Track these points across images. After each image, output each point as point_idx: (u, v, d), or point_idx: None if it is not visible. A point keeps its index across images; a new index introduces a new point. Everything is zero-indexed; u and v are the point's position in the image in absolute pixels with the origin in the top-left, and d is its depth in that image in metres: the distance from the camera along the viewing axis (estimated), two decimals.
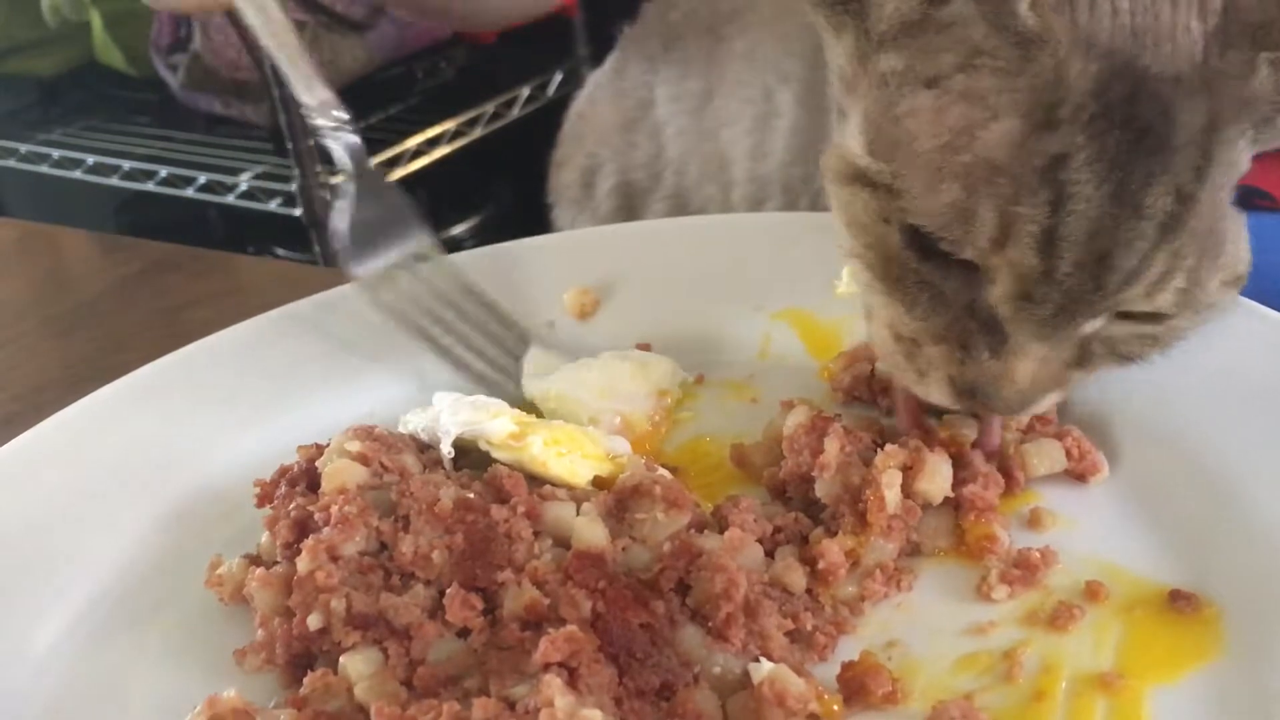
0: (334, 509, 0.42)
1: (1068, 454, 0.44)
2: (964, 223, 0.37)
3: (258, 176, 1.67)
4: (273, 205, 1.65)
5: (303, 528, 0.43)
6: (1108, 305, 0.38)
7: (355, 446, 0.45)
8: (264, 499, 0.46)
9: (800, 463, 0.44)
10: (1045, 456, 0.45)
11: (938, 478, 0.42)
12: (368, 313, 0.57)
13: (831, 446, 0.43)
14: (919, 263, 0.40)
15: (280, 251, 1.83)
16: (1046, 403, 0.41)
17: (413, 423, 0.49)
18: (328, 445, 0.46)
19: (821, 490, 0.43)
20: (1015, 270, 0.37)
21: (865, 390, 0.51)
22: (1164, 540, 0.42)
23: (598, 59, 0.86)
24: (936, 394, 0.41)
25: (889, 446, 0.43)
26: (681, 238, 0.61)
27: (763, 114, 0.68)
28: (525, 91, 1.79)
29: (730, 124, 0.70)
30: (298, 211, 1.58)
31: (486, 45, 1.77)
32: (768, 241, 0.59)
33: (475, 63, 1.80)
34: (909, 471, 0.42)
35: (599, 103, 0.81)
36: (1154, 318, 0.39)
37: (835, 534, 0.42)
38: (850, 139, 0.41)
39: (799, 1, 0.65)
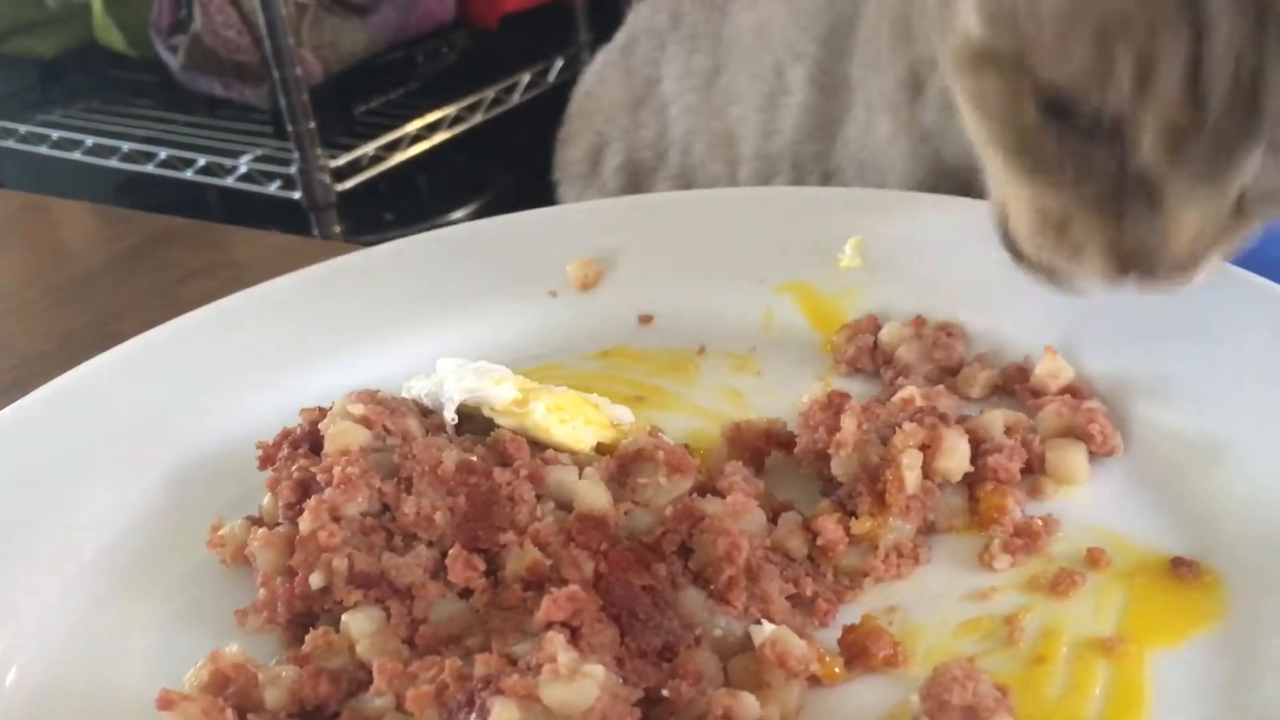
0: (336, 470, 0.42)
1: (1091, 437, 0.44)
2: (1102, 75, 0.36)
3: (257, 159, 1.67)
4: (272, 188, 1.65)
5: (305, 488, 0.43)
6: (1265, 135, 0.36)
7: (358, 409, 0.45)
8: (266, 461, 0.46)
9: (816, 440, 0.44)
10: (1067, 464, 0.44)
11: (957, 455, 0.42)
12: (369, 282, 0.57)
13: (848, 424, 0.43)
14: (1059, 133, 0.38)
15: (278, 235, 1.83)
16: (1212, 265, 0.40)
17: (416, 388, 0.49)
18: (331, 409, 0.46)
19: (838, 468, 0.43)
20: (1164, 115, 0.36)
21: (869, 362, 0.51)
22: (1166, 509, 0.42)
23: (599, 45, 0.85)
24: (1095, 268, 0.40)
25: (907, 425, 0.42)
26: (684, 211, 0.61)
27: (772, 91, 0.68)
28: (526, 77, 1.79)
29: (738, 101, 0.70)
30: (297, 194, 1.58)
31: (488, 30, 1.77)
32: (770, 215, 0.59)
33: (477, 48, 1.80)
34: (927, 450, 0.42)
35: (607, 80, 0.81)
36: None
37: (852, 513, 0.42)
38: (968, 20, 0.40)
39: None
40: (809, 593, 0.40)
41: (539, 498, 0.42)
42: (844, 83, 0.64)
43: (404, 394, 0.49)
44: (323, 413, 0.46)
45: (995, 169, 0.42)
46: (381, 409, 0.45)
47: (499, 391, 0.46)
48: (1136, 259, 0.39)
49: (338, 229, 1.60)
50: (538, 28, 1.77)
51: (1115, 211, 0.39)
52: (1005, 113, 0.40)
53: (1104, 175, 0.38)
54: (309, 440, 0.46)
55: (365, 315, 0.56)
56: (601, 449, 0.46)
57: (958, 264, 0.53)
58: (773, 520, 0.43)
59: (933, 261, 0.54)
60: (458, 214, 1.84)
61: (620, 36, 0.81)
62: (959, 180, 0.57)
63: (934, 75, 0.56)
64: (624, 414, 0.48)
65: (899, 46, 0.58)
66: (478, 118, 1.74)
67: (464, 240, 0.60)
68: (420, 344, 0.55)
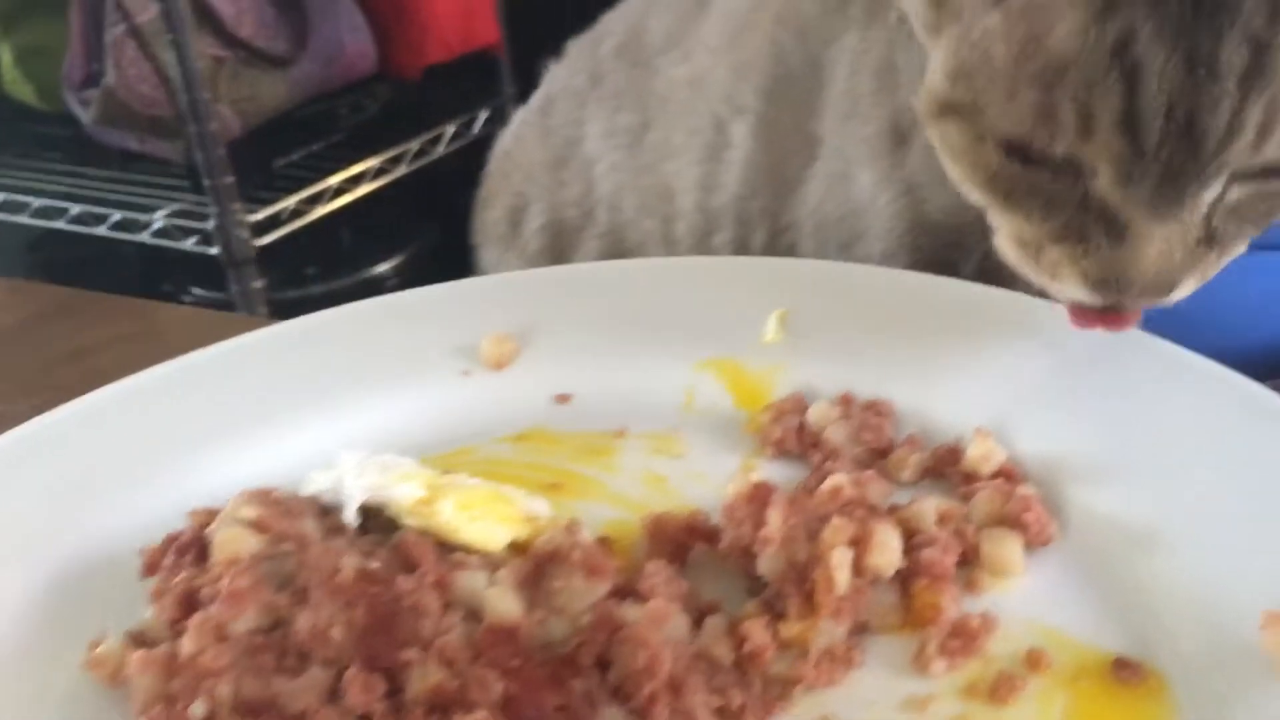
0: (224, 582, 0.39)
1: (1025, 526, 0.42)
2: (1048, 123, 0.39)
3: (173, 214, 1.63)
4: (189, 244, 1.60)
5: (190, 602, 0.40)
6: (1211, 170, 0.38)
7: (250, 512, 0.41)
8: (150, 569, 0.43)
9: (741, 535, 0.42)
10: (1002, 556, 0.42)
11: (889, 551, 0.40)
12: (267, 364, 0.54)
13: (775, 519, 0.41)
14: (1022, 171, 0.41)
15: (197, 290, 1.78)
16: (1188, 287, 0.41)
17: (316, 483, 0.46)
18: (221, 511, 0.43)
19: (765, 567, 0.41)
20: (1108, 156, 0.39)
21: (795, 444, 0.49)
22: (1106, 601, 0.40)
23: (524, 97, 0.84)
24: (1072, 290, 0.42)
25: (836, 519, 0.40)
26: (603, 283, 0.59)
27: (713, 145, 0.66)
28: (451, 129, 1.77)
29: (674, 156, 0.69)
30: (215, 250, 1.54)
31: (412, 82, 1.75)
32: (692, 287, 0.57)
33: (400, 99, 1.78)
34: (858, 544, 0.40)
35: (526, 140, 0.79)
36: (1271, 173, 0.39)
37: (781, 615, 0.40)
38: (934, 76, 0.43)
39: (755, 32, 0.64)
40: (736, 704, 0.38)
41: (446, 606, 0.40)
42: (802, 138, 0.62)
43: (304, 489, 0.46)
44: (212, 515, 0.43)
45: (977, 200, 0.45)
46: (275, 511, 0.42)
47: (404, 490, 0.43)
48: (1108, 284, 0.41)
49: (258, 284, 1.56)
50: (462, 79, 1.75)
51: (1082, 240, 0.41)
52: (973, 156, 0.43)
53: (1069, 208, 0.41)
54: (196, 546, 0.42)
55: (264, 401, 0.52)
56: (516, 547, 0.44)
57: (885, 339, 0.51)
58: (697, 623, 0.40)
59: (860, 336, 0.52)
60: (382, 267, 1.81)
61: (537, 97, 0.79)
62: (942, 238, 0.56)
63: (917, 125, 0.56)
64: (539, 506, 0.45)
65: (881, 96, 0.57)
66: (402, 170, 1.72)
67: (370, 317, 0.57)
68: (324, 430, 0.51)
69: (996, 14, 0.41)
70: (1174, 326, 0.46)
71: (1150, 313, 0.44)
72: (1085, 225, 0.41)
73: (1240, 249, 0.43)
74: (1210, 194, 0.39)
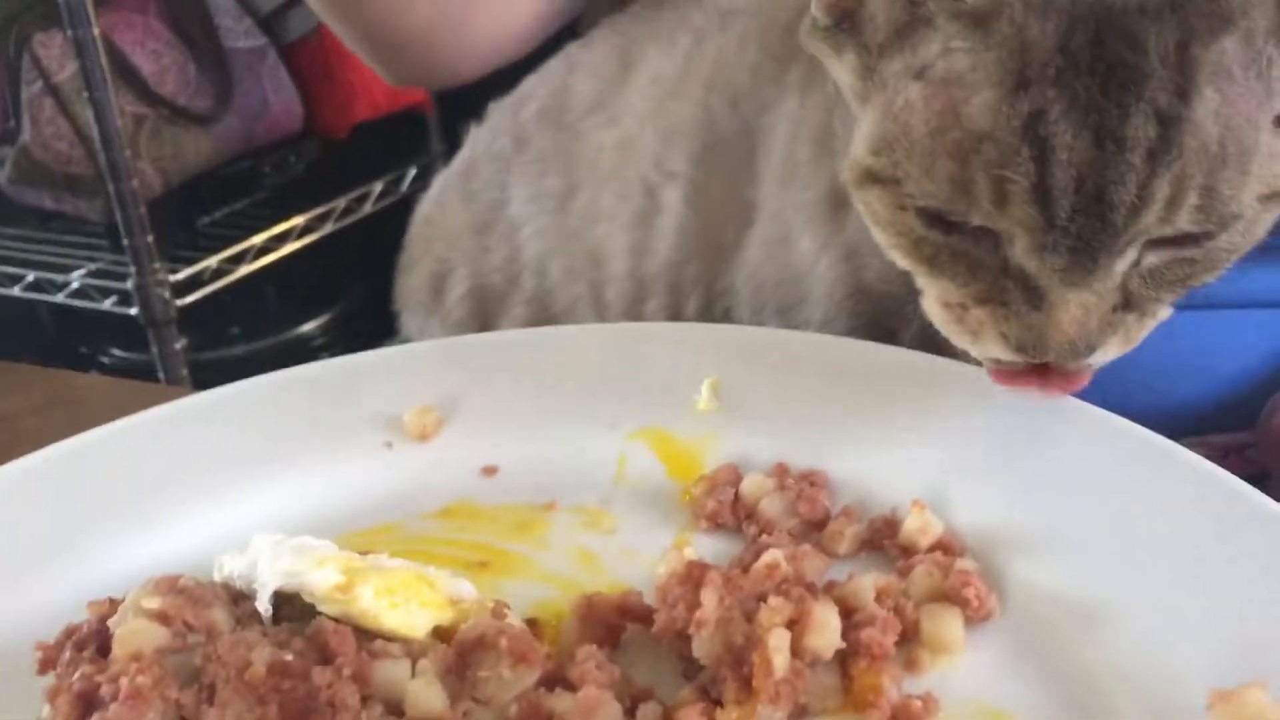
0: (124, 680, 0.36)
1: (966, 602, 0.41)
2: (964, 195, 0.40)
3: (91, 274, 1.59)
4: (107, 304, 1.56)
5: (89, 701, 0.37)
6: (1123, 241, 0.39)
7: (154, 603, 0.39)
8: (46, 664, 0.40)
9: (675, 618, 0.40)
10: (942, 633, 0.41)
11: (827, 631, 0.39)
12: (177, 439, 0.51)
13: (709, 600, 0.39)
14: (944, 239, 0.42)
15: (116, 352, 1.74)
16: (1109, 351, 0.42)
17: (228, 567, 0.43)
18: (124, 600, 0.40)
19: (699, 650, 0.39)
20: (1022, 227, 0.39)
21: (730, 517, 0.48)
22: (1049, 678, 0.39)
23: (452, 154, 0.82)
24: (995, 351, 0.43)
25: (773, 599, 0.39)
26: (530, 350, 0.57)
27: (643, 210, 0.66)
28: (379, 186, 1.75)
29: (604, 220, 0.67)
30: (134, 310, 1.50)
31: (339, 140, 1.73)
32: (622, 354, 0.56)
33: (327, 157, 1.76)
34: (796, 625, 0.38)
35: (447, 205, 0.77)
36: (1186, 240, 0.40)
37: (718, 701, 0.38)
38: (858, 146, 0.44)
39: (684, 98, 0.64)
40: None
41: (365, 699, 0.37)
42: (737, 204, 0.61)
43: (215, 573, 0.43)
44: (114, 605, 0.41)
45: (904, 265, 0.45)
46: (182, 600, 0.40)
47: (320, 575, 0.40)
48: (1027, 346, 0.42)
49: (179, 345, 1.52)
50: (390, 137, 1.74)
51: (1003, 304, 0.42)
52: (896, 224, 0.43)
53: (989, 273, 0.42)
54: (96, 640, 0.40)
55: (175, 478, 0.50)
56: (439, 632, 0.42)
57: (820, 407, 0.50)
58: (630, 712, 0.39)
59: (794, 404, 0.51)
60: (308, 326, 1.78)
61: (458, 161, 0.77)
62: (882, 304, 0.55)
63: None
64: (464, 588, 0.43)
65: (821, 163, 0.57)
66: (328, 228, 1.69)
67: (288, 388, 0.55)
68: (237, 509, 0.49)
69: (917, 86, 0.41)
70: (1101, 385, 0.46)
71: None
72: (1005, 290, 0.42)
73: (1163, 313, 0.43)
74: (1125, 262, 0.40)
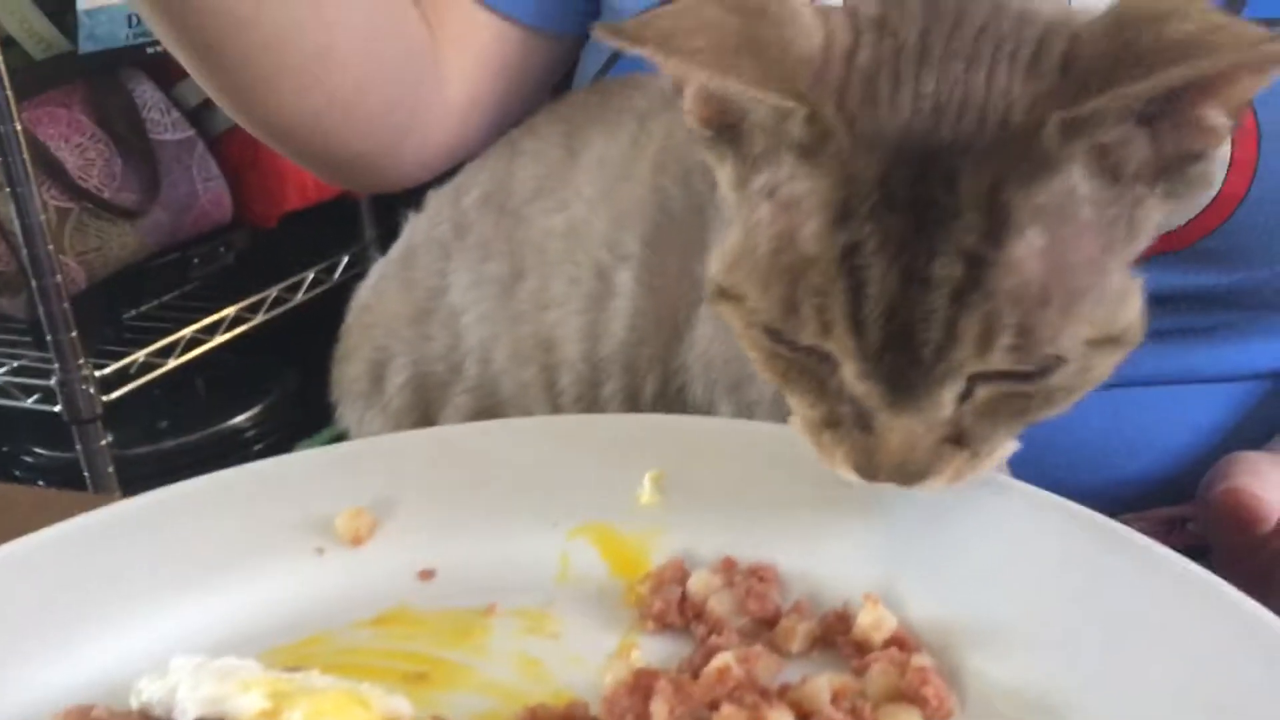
0: None
1: (925, 701, 0.40)
2: (794, 316, 0.40)
3: (13, 371, 1.55)
4: (29, 402, 1.52)
5: None
6: (937, 375, 0.39)
7: None
8: None
9: None
10: None
11: None
12: (102, 549, 0.49)
13: (659, 711, 0.38)
14: (791, 355, 0.42)
15: (39, 451, 1.69)
16: (941, 481, 0.42)
17: (146, 693, 0.41)
18: None
19: None
20: (844, 353, 0.40)
21: (677, 617, 0.46)
22: None
23: (385, 242, 0.81)
24: (843, 471, 0.43)
25: (726, 708, 0.37)
26: (466, 446, 0.55)
27: (596, 294, 0.65)
28: (310, 275, 1.73)
29: (555, 305, 0.66)
30: (58, 408, 1.46)
31: (268, 230, 1.71)
32: (560, 447, 0.54)
33: (257, 247, 1.74)
34: None
35: (386, 293, 0.76)
36: (1014, 377, 0.40)
37: None
38: (714, 260, 0.44)
39: (633, 180, 0.63)
40: None
41: None
42: (689, 281, 0.61)
43: (132, 700, 0.41)
44: None
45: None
46: None
47: (244, 701, 0.38)
48: (862, 470, 0.42)
49: (105, 442, 1.48)
50: (321, 225, 1.72)
51: (841, 426, 0.43)
52: (748, 339, 0.44)
53: (832, 395, 0.42)
54: None
55: (88, 596, 0.47)
56: None
57: (766, 498, 0.49)
58: None
59: (739, 496, 0.50)
60: (240, 419, 1.75)
61: (397, 249, 0.76)
62: None
63: None
64: (400, 706, 0.41)
65: None
66: (259, 318, 1.67)
67: (209, 494, 0.52)
68: (159, 624, 0.47)
69: (767, 205, 0.41)
70: (1045, 463, 0.46)
71: (1021, 449, 0.44)
72: (842, 412, 0.42)
73: (1002, 450, 0.43)
74: (949, 393, 0.40)
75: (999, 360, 0.39)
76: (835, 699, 0.40)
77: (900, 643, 0.43)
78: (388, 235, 0.82)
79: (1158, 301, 0.63)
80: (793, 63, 0.41)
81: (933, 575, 0.44)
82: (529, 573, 0.50)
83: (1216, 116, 0.39)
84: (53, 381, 1.45)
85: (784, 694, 0.40)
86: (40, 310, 1.41)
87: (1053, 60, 0.39)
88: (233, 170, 1.65)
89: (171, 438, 1.70)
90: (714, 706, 0.38)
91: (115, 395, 1.49)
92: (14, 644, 0.45)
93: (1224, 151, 0.45)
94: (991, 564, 0.44)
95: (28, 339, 1.58)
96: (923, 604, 0.44)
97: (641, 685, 0.39)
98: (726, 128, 0.43)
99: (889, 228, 0.38)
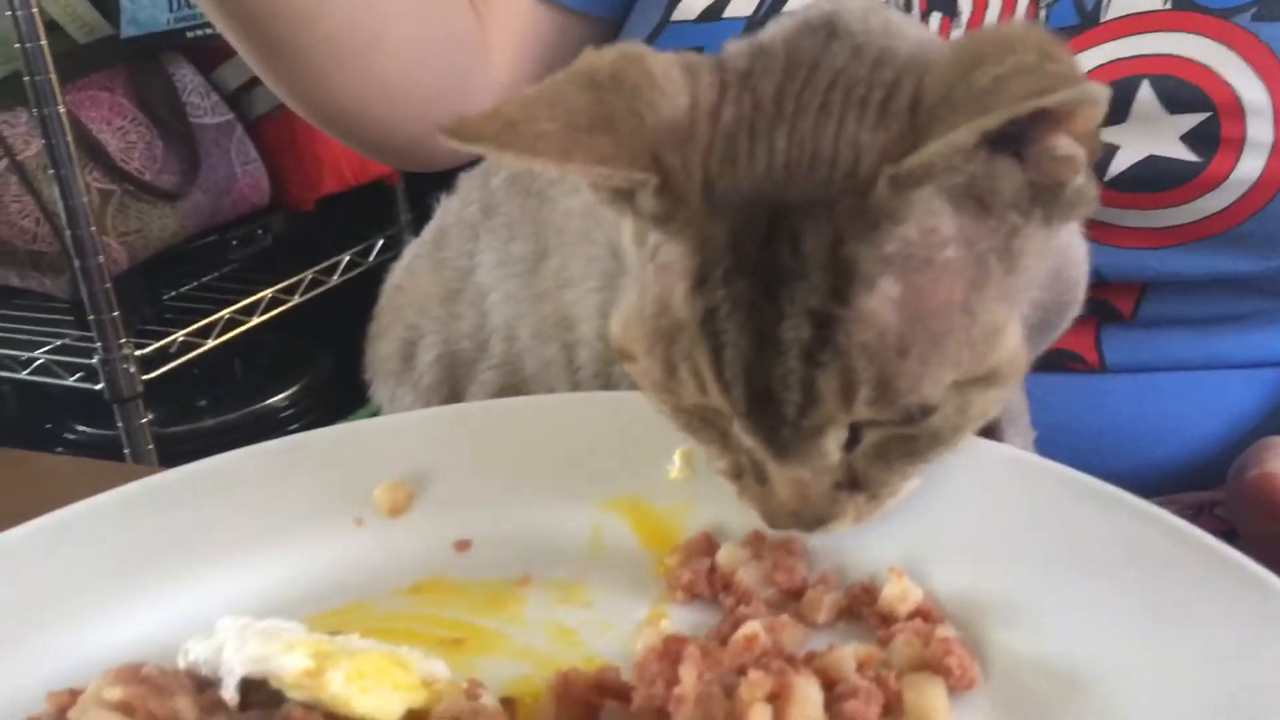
0: None
1: (948, 671, 0.40)
2: (674, 378, 0.41)
3: (56, 350, 1.58)
4: (71, 380, 1.55)
5: None
6: (806, 430, 0.39)
7: (116, 693, 0.38)
8: None
9: (653, 695, 0.39)
10: (925, 703, 0.40)
11: (809, 705, 0.38)
12: (150, 516, 0.50)
13: (688, 676, 0.38)
14: (690, 410, 0.43)
15: (81, 429, 1.72)
16: (842, 526, 0.42)
17: (193, 653, 0.42)
18: (84, 690, 0.39)
19: None
20: (724, 411, 0.41)
21: (706, 587, 0.47)
22: None
23: (419, 225, 0.82)
24: (755, 517, 0.44)
25: (753, 673, 0.38)
26: (502, 421, 0.57)
27: (611, 271, 0.66)
28: (346, 258, 1.75)
29: (574, 284, 0.67)
30: (99, 386, 1.48)
31: (305, 213, 1.73)
32: (594, 423, 0.55)
33: (294, 229, 1.76)
34: (777, 700, 0.38)
35: (418, 273, 0.77)
36: (895, 422, 0.40)
37: None
38: (614, 317, 0.44)
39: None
40: None
41: None
42: None
43: (180, 659, 0.42)
44: (74, 696, 0.39)
45: None
46: (145, 689, 0.38)
47: (288, 660, 0.39)
48: (765, 518, 0.43)
49: (145, 420, 1.51)
50: (357, 208, 1.74)
51: (742, 476, 0.43)
52: (649, 395, 0.44)
53: (732, 447, 0.43)
54: None
55: (137, 561, 0.49)
56: (413, 715, 0.41)
57: None
58: None
59: None
60: (277, 399, 1.77)
61: (429, 230, 0.78)
62: None
63: None
64: (437, 669, 0.42)
65: None
66: (295, 300, 1.69)
67: (254, 465, 0.54)
68: (204, 591, 0.48)
69: (652, 267, 0.41)
70: (1075, 450, 0.46)
71: (1049, 434, 0.44)
72: (743, 463, 0.43)
73: (905, 488, 0.43)
74: (830, 444, 0.40)
75: (864, 412, 0.39)
76: (860, 668, 0.41)
77: (925, 614, 0.43)
78: (422, 218, 0.83)
79: (1191, 287, 0.64)
80: (652, 130, 0.40)
81: (958, 550, 0.45)
82: (561, 544, 0.51)
83: (1068, 146, 0.39)
84: (95, 360, 1.48)
85: (810, 662, 0.41)
86: (83, 290, 1.44)
87: (902, 103, 0.38)
88: (271, 154, 1.67)
89: (210, 417, 1.72)
90: (741, 672, 0.39)
91: (155, 374, 1.52)
92: (68, 606, 0.47)
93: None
94: (1017, 539, 0.44)
95: (70, 318, 1.60)
96: (947, 578, 0.45)
97: (671, 650, 0.40)
98: (619, 190, 0.42)
99: (738, 292, 0.38)
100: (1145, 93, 0.59)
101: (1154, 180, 0.60)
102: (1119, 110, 0.59)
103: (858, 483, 0.42)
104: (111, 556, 0.49)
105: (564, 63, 0.42)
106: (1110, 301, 0.65)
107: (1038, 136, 0.38)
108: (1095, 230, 0.63)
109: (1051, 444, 0.45)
